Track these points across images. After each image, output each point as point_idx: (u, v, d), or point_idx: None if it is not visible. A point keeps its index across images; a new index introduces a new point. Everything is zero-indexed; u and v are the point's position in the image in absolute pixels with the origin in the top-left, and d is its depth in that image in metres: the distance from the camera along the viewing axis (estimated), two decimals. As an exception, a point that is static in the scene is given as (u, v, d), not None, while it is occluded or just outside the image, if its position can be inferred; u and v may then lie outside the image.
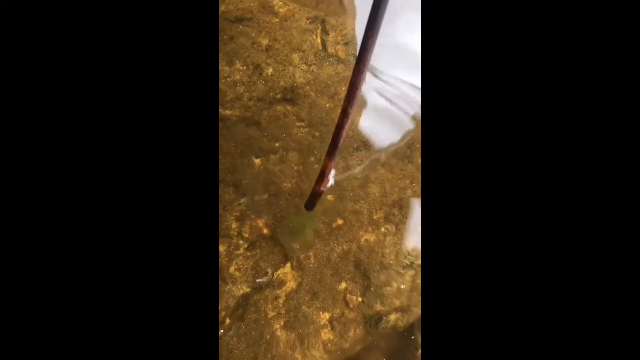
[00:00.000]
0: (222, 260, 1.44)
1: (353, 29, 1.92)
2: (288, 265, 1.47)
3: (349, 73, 1.78)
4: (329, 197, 1.56)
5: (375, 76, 1.82)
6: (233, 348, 1.34)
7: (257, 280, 1.39)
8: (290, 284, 1.44)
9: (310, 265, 1.47)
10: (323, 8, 1.94)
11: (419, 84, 1.79)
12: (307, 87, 1.76)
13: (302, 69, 1.78)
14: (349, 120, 1.10)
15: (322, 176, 1.29)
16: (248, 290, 1.42)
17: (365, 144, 1.69)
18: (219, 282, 1.41)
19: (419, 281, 1.53)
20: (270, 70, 1.76)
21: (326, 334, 1.40)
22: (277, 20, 1.85)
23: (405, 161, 1.68)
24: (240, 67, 1.75)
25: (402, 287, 1.49)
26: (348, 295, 1.46)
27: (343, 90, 1.76)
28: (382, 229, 1.56)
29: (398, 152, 1.70)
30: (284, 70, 1.77)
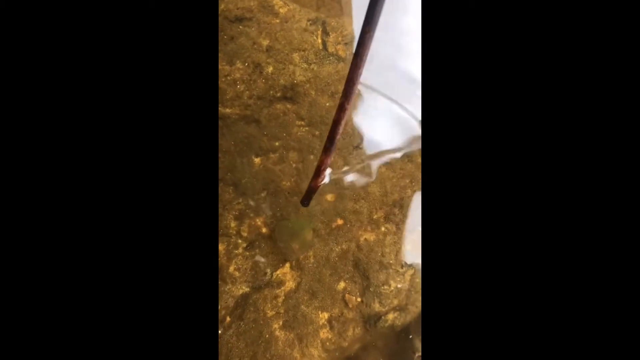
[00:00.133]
0: (222, 260, 1.44)
1: (353, 31, 1.92)
2: (287, 265, 1.47)
3: (349, 72, 1.77)
4: (329, 196, 1.56)
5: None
6: (233, 347, 1.34)
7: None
8: (290, 284, 1.44)
9: (310, 265, 1.47)
10: (324, 10, 1.93)
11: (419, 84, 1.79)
12: (307, 86, 1.75)
13: (302, 68, 1.78)
14: (346, 116, 1.09)
15: (318, 172, 1.28)
16: (247, 289, 1.42)
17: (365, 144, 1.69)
18: (219, 282, 1.41)
19: (418, 280, 1.53)
20: (270, 69, 1.76)
21: (325, 334, 1.40)
22: (278, 21, 1.85)
23: (405, 160, 1.68)
24: (241, 66, 1.74)
25: (400, 286, 1.50)
26: (347, 295, 1.46)
27: (343, 88, 1.76)
28: (382, 229, 1.56)
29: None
30: (284, 68, 1.77)
